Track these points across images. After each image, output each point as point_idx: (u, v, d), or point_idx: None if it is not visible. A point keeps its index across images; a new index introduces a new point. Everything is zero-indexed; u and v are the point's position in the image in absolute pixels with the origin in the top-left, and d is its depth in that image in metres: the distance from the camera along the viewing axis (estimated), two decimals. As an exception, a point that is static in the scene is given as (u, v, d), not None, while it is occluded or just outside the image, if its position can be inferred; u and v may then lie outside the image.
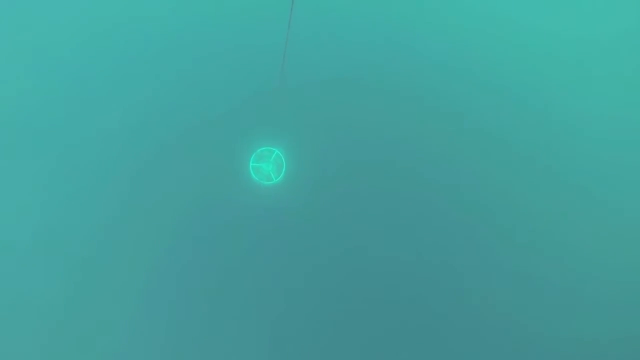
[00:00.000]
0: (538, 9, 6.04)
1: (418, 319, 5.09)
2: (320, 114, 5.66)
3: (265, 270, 5.27)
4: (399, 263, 5.28)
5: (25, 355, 4.96)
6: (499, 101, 5.68)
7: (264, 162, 5.41)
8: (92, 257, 5.15)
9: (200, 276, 5.25)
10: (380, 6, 5.94)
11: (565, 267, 5.22)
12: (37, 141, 5.49)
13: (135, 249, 5.28)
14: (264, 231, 5.33)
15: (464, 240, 5.29)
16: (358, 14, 5.93)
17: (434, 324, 5.06)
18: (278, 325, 5.19)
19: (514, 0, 5.97)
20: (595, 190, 5.40)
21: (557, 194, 5.38)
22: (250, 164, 5.41)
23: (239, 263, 5.29)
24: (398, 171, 5.53)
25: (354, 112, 5.67)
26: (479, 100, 5.69)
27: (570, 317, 5.13)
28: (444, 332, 5.11)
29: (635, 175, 5.50)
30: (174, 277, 5.25)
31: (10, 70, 5.68)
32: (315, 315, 5.23)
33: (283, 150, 5.51)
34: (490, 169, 5.46)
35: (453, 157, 5.53)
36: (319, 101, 5.69)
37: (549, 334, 5.15)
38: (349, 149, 5.62)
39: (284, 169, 5.45)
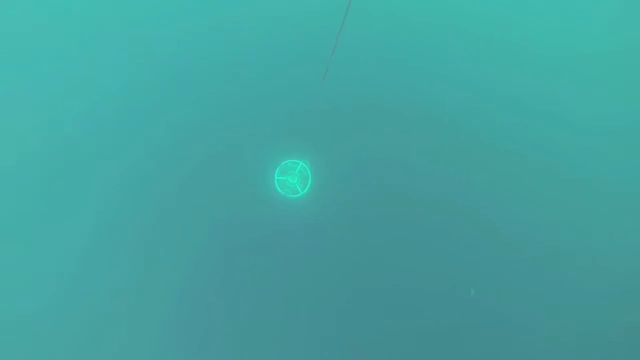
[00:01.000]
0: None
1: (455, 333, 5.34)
2: (349, 127, 5.74)
3: (289, 280, 5.46)
4: (426, 275, 5.51)
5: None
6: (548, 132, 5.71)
7: (289, 175, 5.27)
8: (123, 273, 5.34)
9: (227, 289, 5.44)
10: (421, 36, 5.95)
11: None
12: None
13: (165, 263, 5.46)
14: (290, 244, 5.46)
15: (493, 260, 5.45)
16: (399, 40, 5.93)
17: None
18: (304, 335, 5.42)
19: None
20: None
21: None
22: (275, 177, 5.35)
23: (264, 273, 5.47)
24: (422, 186, 5.66)
25: (381, 126, 5.75)
26: (524, 131, 5.78)
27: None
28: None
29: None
30: (203, 289, 5.44)
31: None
32: (343, 326, 5.46)
33: (309, 162, 5.41)
34: (521, 196, 5.57)
35: (481, 182, 5.63)
36: (350, 116, 5.72)
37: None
38: (373, 162, 5.72)
39: (309, 182, 5.34)
